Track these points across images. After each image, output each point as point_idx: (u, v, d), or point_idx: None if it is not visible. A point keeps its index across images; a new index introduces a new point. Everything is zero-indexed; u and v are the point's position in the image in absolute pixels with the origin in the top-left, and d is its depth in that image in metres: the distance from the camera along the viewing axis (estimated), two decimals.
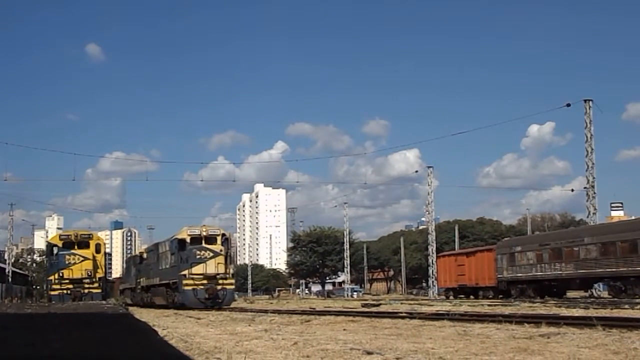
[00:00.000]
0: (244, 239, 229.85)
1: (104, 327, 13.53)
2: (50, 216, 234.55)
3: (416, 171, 67.13)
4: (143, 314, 22.32)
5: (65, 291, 41.21)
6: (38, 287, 75.89)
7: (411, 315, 15.52)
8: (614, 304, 23.61)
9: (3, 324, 14.69)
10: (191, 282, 28.44)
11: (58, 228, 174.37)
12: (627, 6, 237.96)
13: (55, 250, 43.42)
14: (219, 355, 7.40)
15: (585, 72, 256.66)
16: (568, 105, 41.78)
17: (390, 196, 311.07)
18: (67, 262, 41.84)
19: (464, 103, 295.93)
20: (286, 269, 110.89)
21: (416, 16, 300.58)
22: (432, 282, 56.89)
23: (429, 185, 57.30)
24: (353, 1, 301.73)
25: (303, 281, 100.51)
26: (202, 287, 28.43)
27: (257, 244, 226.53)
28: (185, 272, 28.71)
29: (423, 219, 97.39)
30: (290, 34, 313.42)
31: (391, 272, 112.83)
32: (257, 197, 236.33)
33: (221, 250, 29.40)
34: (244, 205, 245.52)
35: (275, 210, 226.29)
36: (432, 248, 58.03)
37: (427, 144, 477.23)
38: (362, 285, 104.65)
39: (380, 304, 29.89)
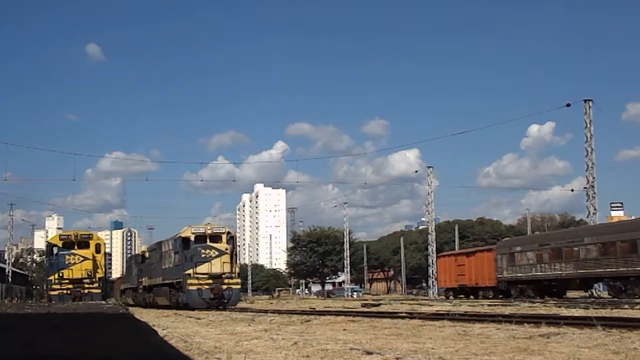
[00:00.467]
0: (244, 239, 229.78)
1: (103, 327, 13.54)
2: (50, 216, 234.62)
3: (416, 171, 67.48)
4: (143, 314, 22.32)
5: (65, 291, 41.25)
6: (38, 287, 75.88)
7: (411, 315, 15.52)
8: (614, 304, 23.61)
9: (3, 324, 14.69)
10: (196, 281, 27.76)
11: (58, 228, 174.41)
12: (627, 6, 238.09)
13: (55, 250, 43.46)
14: (218, 355, 7.40)
15: (585, 72, 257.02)
16: (568, 105, 41.82)
17: (390, 196, 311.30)
18: (67, 262, 41.89)
19: (464, 103, 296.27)
20: (286, 269, 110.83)
21: (416, 16, 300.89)
22: (432, 282, 56.90)
23: (429, 185, 57.34)
24: (353, 1, 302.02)
25: (303, 281, 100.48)
26: (207, 286, 27.71)
27: (257, 244, 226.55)
28: (190, 271, 28.03)
29: (423, 219, 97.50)
30: (290, 34, 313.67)
31: (391, 272, 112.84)
32: (257, 197, 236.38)
33: (226, 249, 28.74)
34: (244, 205, 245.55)
35: (275, 210, 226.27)
36: (432, 248, 58.04)
37: (427, 144, 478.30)
38: (362, 285, 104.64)
39: (380, 304, 29.88)
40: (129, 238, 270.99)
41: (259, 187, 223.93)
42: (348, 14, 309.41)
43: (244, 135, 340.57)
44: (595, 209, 41.33)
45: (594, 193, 41.14)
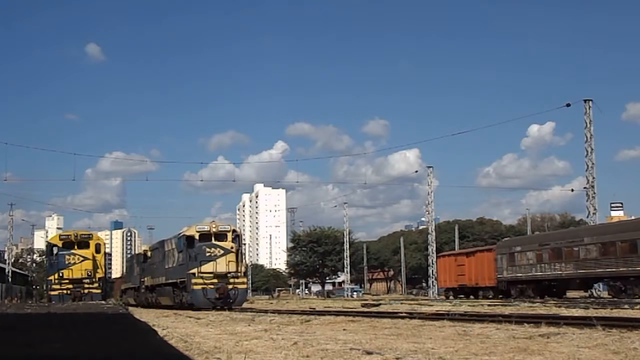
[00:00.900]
0: (244, 239, 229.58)
1: (103, 327, 13.54)
2: (50, 216, 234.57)
3: (416, 171, 67.48)
4: (143, 314, 22.31)
5: (65, 291, 41.24)
6: (38, 287, 75.90)
7: (411, 315, 15.51)
8: (614, 304, 23.62)
9: (3, 324, 14.70)
10: (200, 281, 27.03)
11: (58, 228, 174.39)
12: (627, 6, 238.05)
13: (55, 250, 43.46)
14: (218, 355, 7.40)
15: (585, 72, 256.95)
16: (568, 105, 41.85)
17: (390, 196, 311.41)
18: (67, 262, 41.88)
19: (464, 103, 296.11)
20: (286, 269, 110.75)
21: (416, 16, 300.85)
22: (432, 282, 56.92)
23: (429, 185, 57.38)
24: (353, 1, 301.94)
25: (303, 281, 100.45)
26: (212, 286, 26.99)
27: (257, 244, 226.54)
28: (194, 270, 27.30)
29: (423, 219, 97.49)
30: (290, 34, 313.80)
31: (391, 272, 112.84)
32: (257, 197, 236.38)
33: (232, 247, 27.97)
34: (243, 205, 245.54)
35: (275, 210, 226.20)
36: (432, 248, 58.05)
37: (427, 144, 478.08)
38: (362, 285, 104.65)
39: (380, 304, 29.87)
40: (129, 238, 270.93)
41: (259, 187, 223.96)
42: (348, 14, 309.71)
43: (244, 135, 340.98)
44: (595, 209, 41.36)
45: (594, 193, 41.16)
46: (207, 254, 27.50)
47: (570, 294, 41.15)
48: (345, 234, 78.70)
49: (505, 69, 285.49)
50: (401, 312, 17.10)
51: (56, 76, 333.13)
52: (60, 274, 41.35)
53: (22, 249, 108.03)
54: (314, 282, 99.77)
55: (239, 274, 27.96)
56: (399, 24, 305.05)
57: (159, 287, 33.70)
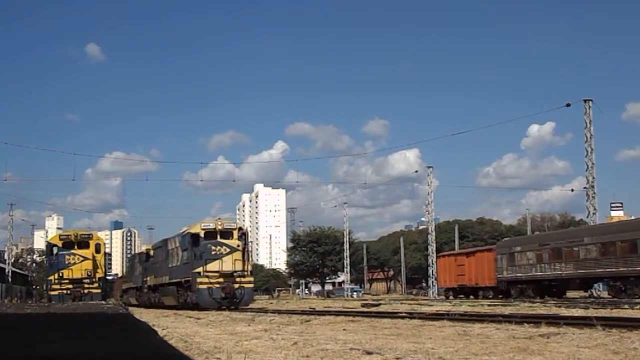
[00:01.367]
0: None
1: (103, 327, 13.54)
2: (50, 216, 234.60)
3: (416, 171, 67.44)
4: (143, 314, 22.31)
5: (65, 291, 41.26)
6: (38, 287, 75.89)
7: (411, 315, 15.51)
8: (614, 304, 23.61)
9: (3, 324, 14.70)
10: (206, 280, 26.28)
11: (58, 228, 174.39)
12: (627, 6, 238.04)
13: (55, 250, 43.49)
14: (218, 355, 7.40)
15: (585, 72, 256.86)
16: (568, 105, 41.86)
17: (390, 196, 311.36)
18: (67, 262, 41.89)
19: (464, 103, 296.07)
20: (286, 269, 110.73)
21: (416, 16, 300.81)
22: (432, 282, 56.92)
23: (429, 185, 57.37)
24: (353, 1, 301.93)
25: (303, 281, 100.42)
26: (217, 285, 26.25)
27: (257, 244, 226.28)
28: (200, 269, 26.55)
29: (423, 219, 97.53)
30: (290, 33, 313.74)
31: (391, 272, 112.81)
32: (257, 197, 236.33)
33: (238, 246, 27.22)
34: (243, 205, 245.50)
35: (275, 210, 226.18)
36: (432, 248, 58.05)
37: (427, 144, 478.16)
38: (362, 285, 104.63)
39: (380, 304, 29.86)
40: (128, 238, 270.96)
41: (258, 187, 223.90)
42: (348, 13, 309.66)
43: (244, 135, 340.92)
44: (595, 209, 41.36)
45: (594, 193, 41.17)
46: (213, 253, 26.78)
47: (570, 294, 41.15)
48: (345, 234, 78.70)
49: (505, 69, 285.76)
50: (401, 312, 17.09)
51: (56, 76, 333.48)
52: (60, 274, 41.37)
53: (22, 249, 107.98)
54: (314, 282, 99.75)
55: (246, 273, 27.21)
56: (399, 24, 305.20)
57: (162, 287, 33.09)
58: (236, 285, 26.65)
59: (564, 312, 17.44)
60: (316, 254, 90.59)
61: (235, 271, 26.78)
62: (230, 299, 26.42)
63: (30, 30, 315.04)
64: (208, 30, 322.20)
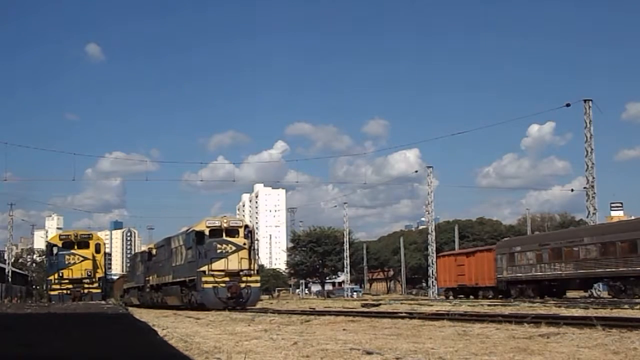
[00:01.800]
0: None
1: (103, 327, 13.54)
2: (50, 216, 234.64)
3: (416, 171, 67.31)
4: (143, 314, 22.31)
5: (65, 291, 41.29)
6: (38, 287, 75.95)
7: (411, 315, 15.50)
8: (614, 304, 23.61)
9: (3, 324, 14.70)
10: (211, 279, 25.59)
11: (58, 228, 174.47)
12: (628, 5, 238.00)
13: (55, 250, 43.51)
14: (218, 355, 7.40)
15: (585, 72, 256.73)
16: (568, 105, 41.92)
17: (390, 196, 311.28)
18: (67, 262, 41.93)
19: (464, 103, 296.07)
20: (286, 269, 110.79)
21: (416, 15, 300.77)
22: (432, 282, 56.93)
23: (428, 185, 57.38)
24: (353, 1, 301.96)
25: (303, 281, 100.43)
26: (223, 285, 25.59)
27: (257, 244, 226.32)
28: (205, 268, 25.83)
29: (423, 219, 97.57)
30: (290, 33, 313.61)
31: (391, 272, 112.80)
32: (256, 197, 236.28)
33: (244, 244, 26.56)
34: (243, 205, 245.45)
35: (275, 210, 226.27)
36: (431, 248, 58.06)
37: (427, 144, 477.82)
38: (362, 285, 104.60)
39: (380, 304, 29.84)
40: (128, 238, 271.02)
41: (258, 187, 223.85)
42: (348, 13, 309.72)
43: (244, 135, 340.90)
44: (595, 209, 41.38)
45: (594, 193, 41.18)
46: (218, 251, 26.14)
47: (570, 294, 41.15)
48: (345, 234, 78.69)
49: (505, 68, 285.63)
50: (401, 312, 17.08)
51: (56, 76, 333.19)
52: (60, 274, 41.40)
53: (22, 249, 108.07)
54: (314, 282, 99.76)
55: (252, 272, 26.56)
56: (399, 24, 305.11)
57: (166, 286, 32.47)
58: (242, 285, 26.06)
59: (564, 312, 17.44)
60: (316, 254, 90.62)
61: (242, 270, 26.13)
62: (236, 298, 25.83)
63: (30, 29, 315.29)
64: (208, 30, 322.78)
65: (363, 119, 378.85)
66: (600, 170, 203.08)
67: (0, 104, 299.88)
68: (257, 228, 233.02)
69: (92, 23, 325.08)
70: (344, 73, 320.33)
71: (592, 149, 41.11)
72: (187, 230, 29.24)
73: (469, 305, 25.45)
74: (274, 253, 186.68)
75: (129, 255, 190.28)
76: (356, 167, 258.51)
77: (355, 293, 78.27)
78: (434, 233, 59.32)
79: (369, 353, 7.39)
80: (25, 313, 21.50)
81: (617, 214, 75.40)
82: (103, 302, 40.70)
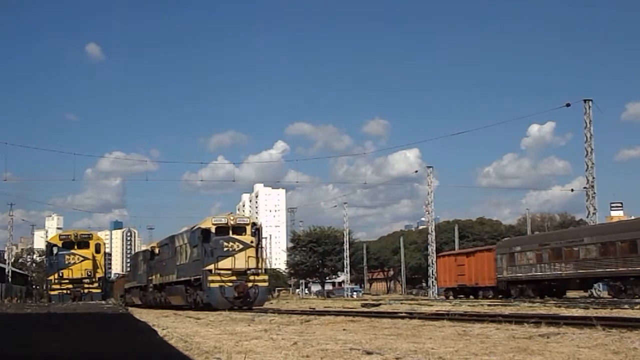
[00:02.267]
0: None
1: (103, 327, 13.54)
2: (50, 216, 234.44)
3: (416, 171, 67.36)
4: (143, 314, 22.31)
5: (65, 291, 41.35)
6: (38, 287, 75.95)
7: (411, 315, 15.50)
8: (614, 304, 23.61)
9: (3, 324, 14.70)
10: (218, 278, 24.91)
11: (58, 228, 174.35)
12: (628, 5, 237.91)
13: (55, 250, 43.56)
14: (218, 355, 7.40)
15: (586, 72, 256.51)
16: (568, 105, 41.92)
17: (390, 196, 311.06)
18: (66, 262, 41.99)
19: (464, 102, 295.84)
20: (286, 269, 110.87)
21: (417, 15, 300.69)
22: (432, 282, 56.92)
23: (428, 185, 57.37)
24: (353, 0, 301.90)
25: (303, 281, 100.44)
26: (230, 284, 24.95)
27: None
28: (211, 266, 25.13)
29: (423, 219, 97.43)
30: (290, 33, 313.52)
31: (391, 272, 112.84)
32: (256, 197, 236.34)
33: (252, 242, 25.89)
34: (243, 205, 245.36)
35: (275, 210, 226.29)
36: (432, 248, 58.05)
37: (427, 144, 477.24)
38: (362, 285, 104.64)
39: (380, 304, 29.85)
40: (128, 238, 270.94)
41: (258, 187, 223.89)
42: (348, 13, 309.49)
43: (244, 135, 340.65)
44: (595, 209, 41.38)
45: (594, 193, 41.18)
46: (225, 249, 25.50)
47: (570, 294, 41.15)
48: (345, 234, 78.68)
49: (506, 68, 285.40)
50: (401, 312, 17.09)
51: (56, 76, 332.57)
52: (60, 274, 41.45)
53: (22, 249, 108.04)
54: (314, 282, 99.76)
55: (260, 271, 25.95)
56: (399, 23, 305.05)
57: (169, 286, 31.71)
58: (250, 284, 25.47)
59: (564, 312, 17.44)
60: (316, 254, 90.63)
61: (249, 269, 25.49)
62: (243, 298, 25.26)
63: (30, 29, 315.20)
64: (208, 30, 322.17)
65: (363, 119, 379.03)
66: (600, 170, 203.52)
67: (0, 104, 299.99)
68: None
69: (92, 23, 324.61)
70: (344, 73, 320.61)
71: (592, 149, 41.11)
72: (192, 227, 28.58)
73: (469, 305, 25.45)
74: (274, 253, 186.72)
75: (129, 255, 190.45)
76: (356, 167, 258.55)
77: (355, 293, 78.29)
78: (434, 233, 59.31)
79: (369, 353, 7.39)
80: (25, 313, 21.51)
81: (617, 214, 75.48)
82: (103, 302, 40.72)
